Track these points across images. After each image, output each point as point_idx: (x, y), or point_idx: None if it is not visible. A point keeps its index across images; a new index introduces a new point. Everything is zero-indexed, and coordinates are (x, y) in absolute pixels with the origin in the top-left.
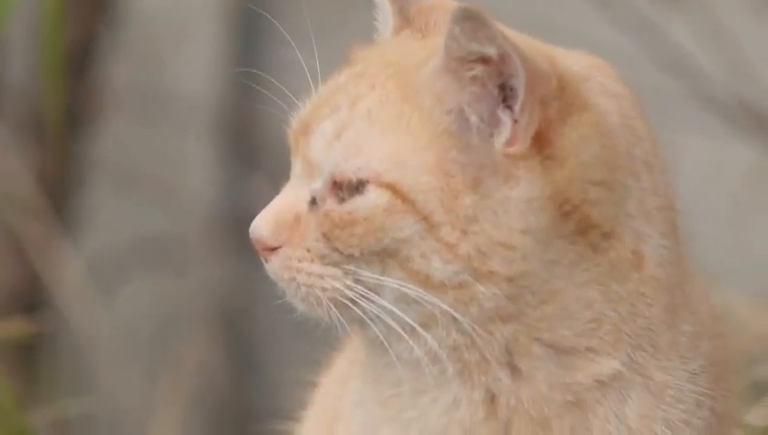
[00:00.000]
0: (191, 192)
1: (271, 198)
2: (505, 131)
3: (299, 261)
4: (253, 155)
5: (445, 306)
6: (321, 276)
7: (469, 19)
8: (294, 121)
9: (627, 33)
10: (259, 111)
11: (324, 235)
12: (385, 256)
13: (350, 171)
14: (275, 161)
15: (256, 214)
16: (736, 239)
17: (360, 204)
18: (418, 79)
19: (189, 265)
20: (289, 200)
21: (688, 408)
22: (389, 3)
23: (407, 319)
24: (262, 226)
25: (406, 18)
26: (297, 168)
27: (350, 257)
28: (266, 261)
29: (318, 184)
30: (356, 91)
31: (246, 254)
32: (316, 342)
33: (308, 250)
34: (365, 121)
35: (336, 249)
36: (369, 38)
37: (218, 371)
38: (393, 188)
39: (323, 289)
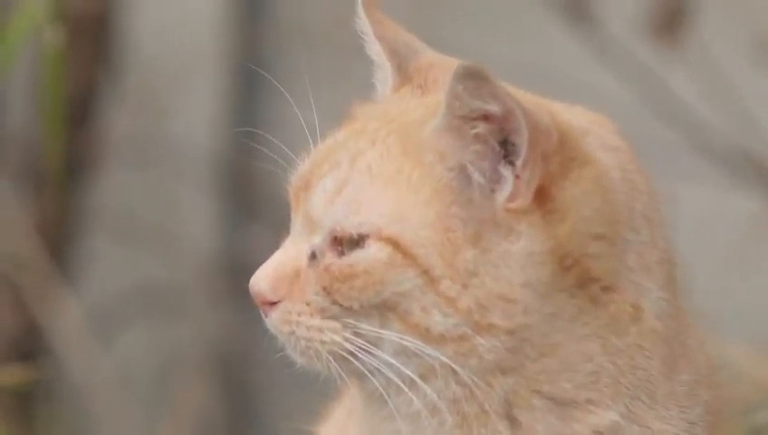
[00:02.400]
0: (190, 240)
1: (270, 249)
2: (507, 187)
3: (298, 315)
4: (251, 204)
5: (444, 359)
6: (321, 330)
7: (472, 77)
8: (294, 178)
9: (626, 82)
10: (258, 161)
11: (324, 288)
12: (384, 309)
13: (350, 227)
14: (274, 211)
15: (255, 263)
16: (735, 287)
17: (360, 258)
18: (420, 135)
19: (188, 312)
20: (289, 255)
21: None
22: (388, 60)
23: (407, 371)
24: (262, 280)
25: (405, 75)
26: (297, 223)
27: (350, 310)
28: (266, 315)
29: (318, 239)
30: (356, 147)
31: (244, 302)
32: (315, 391)
33: (307, 304)
34: (365, 177)
35: (336, 302)
36: (368, 90)
37: (216, 418)
38: (394, 243)
39: (323, 342)
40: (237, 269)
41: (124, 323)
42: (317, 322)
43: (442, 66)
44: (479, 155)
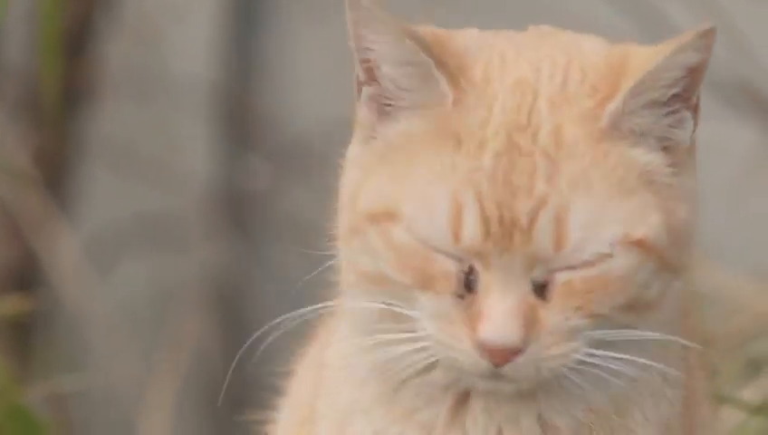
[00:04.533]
0: (188, 171)
1: (266, 178)
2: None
3: (547, 349)
4: (249, 135)
5: (677, 338)
6: (566, 355)
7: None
8: (482, 229)
9: (623, 12)
10: (257, 90)
11: (578, 308)
12: (626, 308)
13: (597, 249)
14: (271, 142)
15: (252, 193)
16: (735, 219)
17: (612, 266)
18: (598, 126)
19: (185, 243)
20: (516, 297)
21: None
22: (443, 74)
23: (655, 364)
24: (509, 333)
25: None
26: (511, 265)
27: (598, 320)
28: (500, 365)
29: (540, 271)
30: (545, 166)
31: (241, 233)
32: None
33: (551, 334)
34: (579, 190)
35: (589, 315)
36: None
37: (213, 348)
38: (639, 242)
39: (565, 365)
40: (235, 200)
41: (121, 254)
42: (562, 349)
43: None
44: (674, 121)
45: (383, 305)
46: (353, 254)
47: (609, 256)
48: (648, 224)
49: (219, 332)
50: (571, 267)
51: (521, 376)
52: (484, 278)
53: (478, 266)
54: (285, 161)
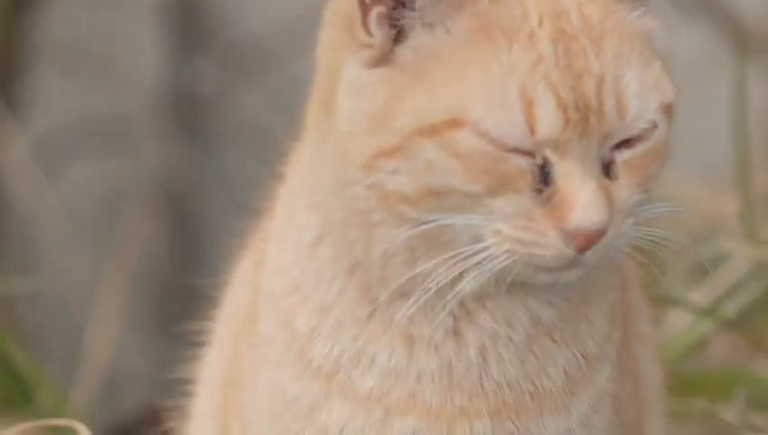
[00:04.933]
0: (138, 73)
1: (217, 80)
2: None
3: (619, 228)
4: (200, 36)
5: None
6: (628, 233)
7: None
8: (561, 115)
9: None
10: None
11: (638, 184)
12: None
13: (649, 117)
14: (220, 43)
15: (201, 95)
16: (685, 123)
17: (658, 137)
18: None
19: (135, 145)
20: (595, 180)
21: None
22: None
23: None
24: (600, 215)
25: None
26: (589, 146)
27: (647, 193)
28: (584, 250)
29: (605, 149)
30: (590, 44)
31: (190, 135)
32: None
33: (620, 213)
34: (623, 63)
35: (644, 192)
36: None
37: (163, 250)
38: (669, 108)
39: (626, 244)
40: (185, 102)
41: (71, 156)
42: (626, 227)
43: None
44: None
45: (429, 226)
46: (381, 177)
47: (656, 124)
48: (670, 88)
49: (168, 234)
50: (631, 141)
51: (597, 259)
52: (562, 167)
53: (553, 157)
54: (236, 63)
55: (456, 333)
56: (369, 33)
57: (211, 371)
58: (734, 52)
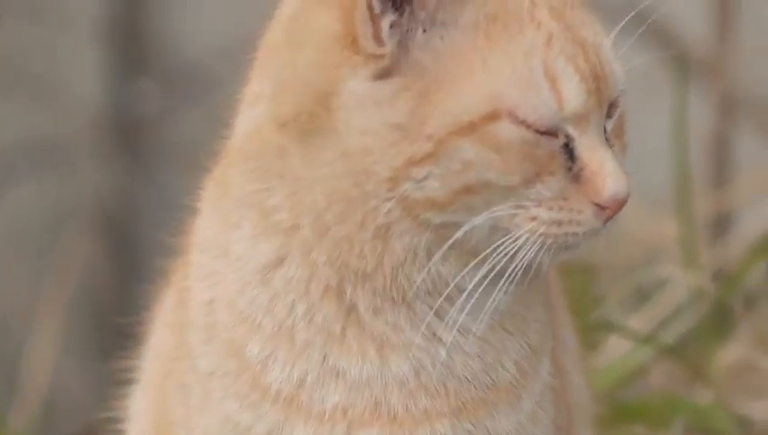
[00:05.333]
0: (78, 93)
1: (157, 101)
2: None
3: None
4: (141, 58)
5: None
6: None
7: None
8: (584, 86)
9: None
10: (148, 11)
11: (622, 151)
12: None
13: (623, 82)
14: (162, 65)
15: (142, 117)
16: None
17: (623, 101)
18: None
19: (76, 167)
20: (610, 149)
21: None
22: None
23: None
24: (626, 181)
25: None
26: (599, 118)
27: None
28: (606, 221)
29: (603, 118)
30: (577, 16)
31: (131, 157)
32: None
33: None
34: (598, 31)
35: (625, 156)
36: None
37: (102, 272)
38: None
39: None
40: (125, 124)
41: (10, 179)
42: None
43: None
44: None
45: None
46: (408, 186)
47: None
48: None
49: (109, 257)
50: (611, 108)
51: (614, 228)
52: (584, 141)
53: (574, 133)
54: (177, 85)
55: (434, 335)
56: (380, 43)
57: (139, 411)
58: (675, 75)
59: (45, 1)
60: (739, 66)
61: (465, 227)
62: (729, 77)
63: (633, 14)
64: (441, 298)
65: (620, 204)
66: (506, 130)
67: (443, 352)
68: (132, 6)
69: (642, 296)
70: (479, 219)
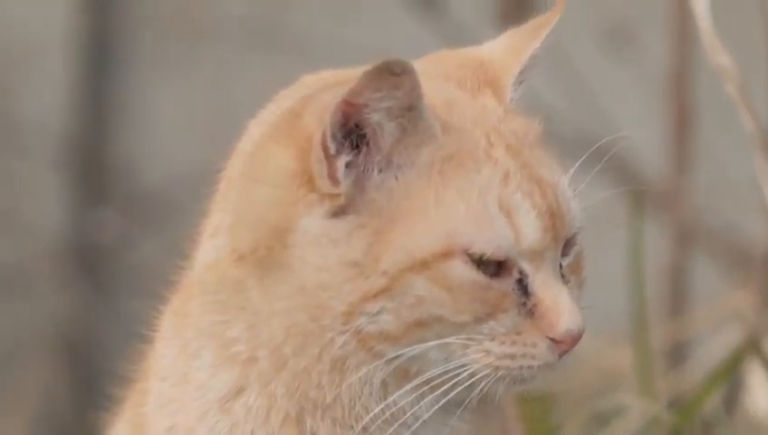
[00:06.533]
0: (38, 220)
1: (117, 229)
2: None
3: None
4: (100, 187)
5: None
6: None
7: None
8: (540, 222)
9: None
10: (109, 140)
11: (579, 288)
12: None
13: (580, 220)
14: (122, 194)
15: (102, 245)
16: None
17: (581, 238)
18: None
19: (34, 293)
20: (564, 286)
21: None
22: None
23: None
24: (580, 317)
25: None
26: (554, 255)
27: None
28: (562, 355)
29: (559, 254)
30: (533, 154)
31: (90, 285)
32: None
33: None
34: (555, 169)
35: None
36: (216, 76)
37: (62, 398)
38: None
39: None
40: (85, 251)
41: None
42: None
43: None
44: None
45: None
46: (362, 320)
47: (582, 227)
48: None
49: (68, 383)
50: (567, 245)
51: (571, 362)
52: (539, 277)
53: (529, 268)
54: (136, 213)
55: None
56: (336, 183)
57: None
58: (632, 207)
59: (4, 129)
60: (696, 198)
61: (415, 352)
62: (686, 209)
63: (593, 150)
64: (402, 428)
65: (575, 339)
66: (458, 270)
67: None
68: (92, 135)
69: (600, 424)
70: (430, 346)
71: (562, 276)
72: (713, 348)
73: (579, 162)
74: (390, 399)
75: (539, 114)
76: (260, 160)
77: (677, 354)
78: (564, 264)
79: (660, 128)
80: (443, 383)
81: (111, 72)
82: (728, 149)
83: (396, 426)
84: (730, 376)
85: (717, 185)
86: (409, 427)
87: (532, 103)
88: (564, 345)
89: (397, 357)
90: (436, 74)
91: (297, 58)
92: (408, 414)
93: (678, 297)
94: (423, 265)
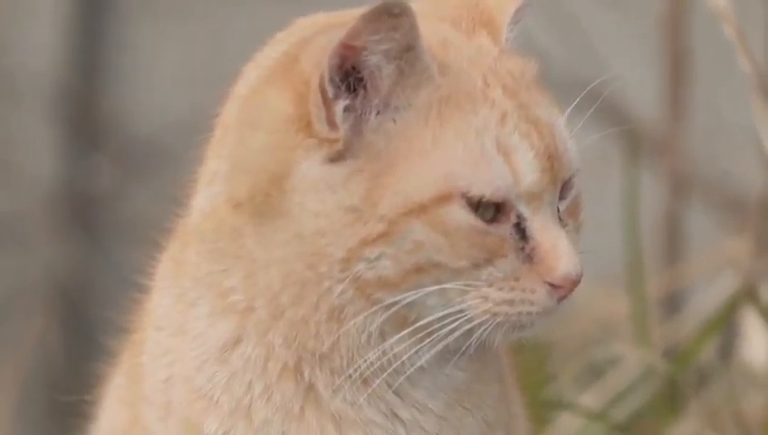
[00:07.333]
0: (32, 170)
1: (111, 178)
2: None
3: None
4: (93, 134)
5: None
6: None
7: None
8: (539, 163)
9: None
10: (102, 89)
11: (576, 231)
12: None
13: (577, 162)
14: (115, 141)
15: (96, 193)
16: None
17: (578, 180)
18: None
19: (29, 243)
20: (562, 229)
21: None
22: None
23: None
24: (579, 261)
25: None
26: (552, 198)
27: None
28: (563, 299)
29: (556, 198)
30: (531, 95)
31: (85, 233)
32: None
33: None
34: (552, 110)
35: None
36: (211, 18)
37: (57, 348)
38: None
39: None
40: (79, 200)
41: None
42: None
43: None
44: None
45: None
46: (361, 266)
47: (579, 169)
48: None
49: (63, 332)
50: (565, 188)
51: (568, 307)
52: (537, 220)
53: (526, 212)
54: (130, 161)
55: (393, 413)
56: (334, 127)
57: None
58: (627, 153)
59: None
60: (691, 145)
61: (413, 298)
62: (681, 156)
63: (585, 92)
64: (399, 375)
65: (574, 283)
66: (456, 215)
67: (402, 431)
68: (86, 83)
69: (595, 373)
70: (428, 291)
71: (560, 220)
72: (708, 296)
73: (573, 105)
74: (387, 344)
75: (534, 58)
76: (256, 105)
77: (672, 302)
78: (562, 208)
79: (655, 73)
80: (441, 329)
81: (105, 20)
82: (724, 96)
83: (392, 373)
84: (725, 324)
85: (713, 131)
86: (411, 379)
87: (526, 47)
88: (563, 290)
89: (395, 303)
90: (431, 15)
91: (292, 4)
92: (405, 359)
93: (673, 245)
94: (421, 210)
